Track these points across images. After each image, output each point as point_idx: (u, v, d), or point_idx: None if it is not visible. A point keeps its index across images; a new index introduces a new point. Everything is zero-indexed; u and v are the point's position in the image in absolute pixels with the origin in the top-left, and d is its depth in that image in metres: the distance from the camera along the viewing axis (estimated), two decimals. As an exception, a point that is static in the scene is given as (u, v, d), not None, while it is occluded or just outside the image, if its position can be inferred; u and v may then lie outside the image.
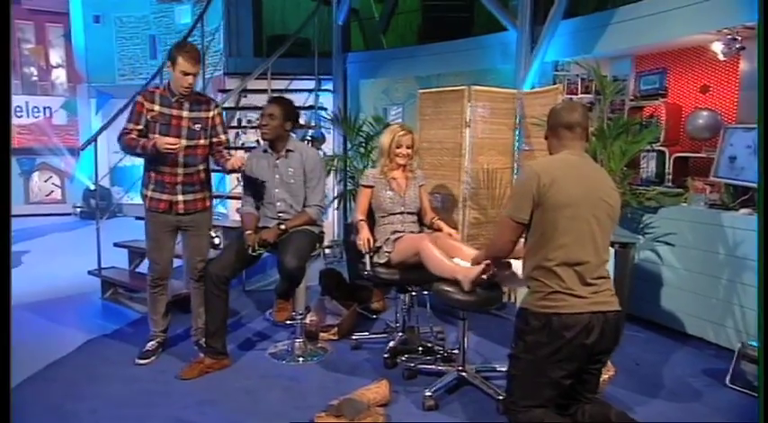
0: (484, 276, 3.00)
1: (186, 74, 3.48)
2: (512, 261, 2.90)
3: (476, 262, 3.05)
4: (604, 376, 3.25)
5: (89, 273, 5.22)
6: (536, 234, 2.43)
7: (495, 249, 2.59)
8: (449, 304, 3.35)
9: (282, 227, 3.70)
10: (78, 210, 9.72)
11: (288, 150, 3.80)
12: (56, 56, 10.64)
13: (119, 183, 9.44)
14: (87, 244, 5.40)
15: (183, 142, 3.55)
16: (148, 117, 3.56)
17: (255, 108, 6.63)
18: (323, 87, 6.92)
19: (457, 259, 3.36)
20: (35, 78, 10.54)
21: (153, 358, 3.79)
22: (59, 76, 10.67)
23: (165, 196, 3.65)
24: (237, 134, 6.68)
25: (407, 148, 3.82)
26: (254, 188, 3.86)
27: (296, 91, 6.53)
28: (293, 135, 3.90)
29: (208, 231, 3.88)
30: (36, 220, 9.10)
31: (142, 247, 4.40)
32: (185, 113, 3.60)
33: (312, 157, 3.85)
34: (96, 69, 9.63)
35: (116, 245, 5.29)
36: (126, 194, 8.56)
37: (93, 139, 5.05)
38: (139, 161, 3.78)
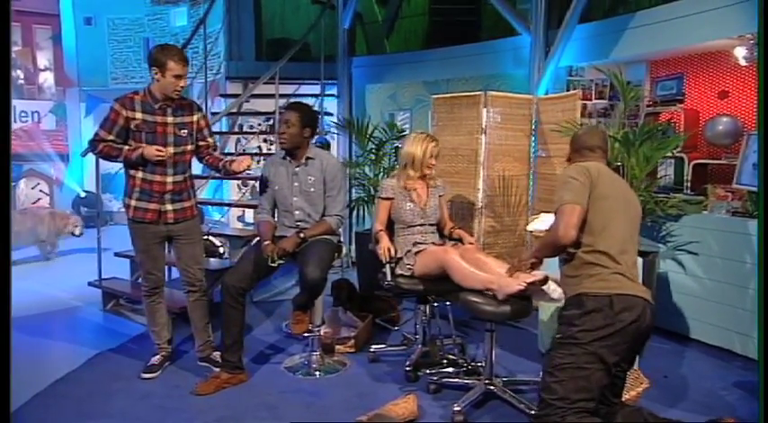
0: (521, 288, 2.97)
1: (179, 77, 3.36)
2: (549, 277, 2.92)
3: (533, 256, 2.95)
4: (638, 389, 3.19)
5: (89, 284, 5.04)
6: (586, 224, 2.51)
7: (556, 237, 2.52)
8: (478, 316, 3.26)
9: (302, 236, 3.57)
10: (68, 218, 9.44)
11: (308, 158, 3.67)
12: (43, 58, 10.39)
13: (110, 190, 9.20)
14: (81, 253, 5.21)
15: (171, 150, 3.43)
16: (131, 126, 3.40)
17: (258, 113, 6.49)
18: (327, 92, 6.81)
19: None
20: (22, 81, 10.27)
21: (159, 373, 3.64)
22: (47, 79, 10.40)
23: (152, 205, 3.49)
24: (239, 140, 6.52)
25: (435, 158, 3.72)
26: (270, 196, 3.73)
27: (301, 96, 6.38)
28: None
29: (200, 238, 3.76)
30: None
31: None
32: (170, 119, 3.46)
33: (333, 166, 3.72)
34: (88, 73, 9.39)
35: (117, 255, 5.11)
36: (120, 202, 8.33)
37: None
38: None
